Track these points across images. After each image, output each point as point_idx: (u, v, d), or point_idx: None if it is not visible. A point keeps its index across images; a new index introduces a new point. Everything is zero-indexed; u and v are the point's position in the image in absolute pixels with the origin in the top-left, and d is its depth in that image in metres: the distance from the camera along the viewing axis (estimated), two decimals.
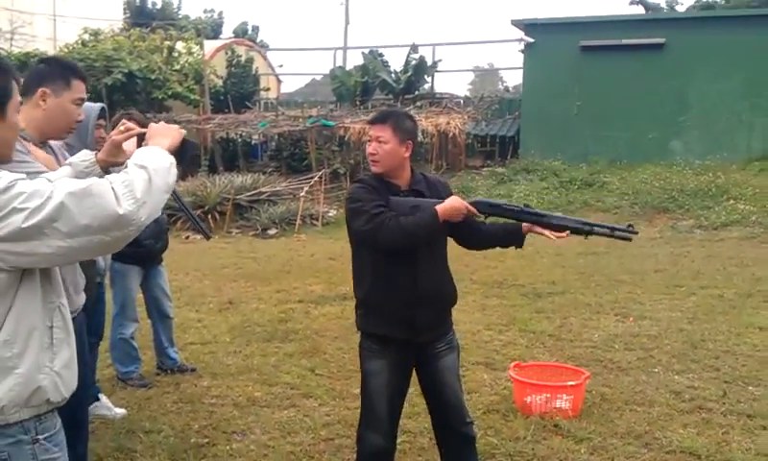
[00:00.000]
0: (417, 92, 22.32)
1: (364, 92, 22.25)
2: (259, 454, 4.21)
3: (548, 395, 4.81)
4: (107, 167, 2.45)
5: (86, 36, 22.82)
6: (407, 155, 3.40)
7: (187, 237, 13.86)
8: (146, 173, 1.94)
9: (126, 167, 2.00)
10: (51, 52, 23.24)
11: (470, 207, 3.35)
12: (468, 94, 28.49)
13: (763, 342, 6.47)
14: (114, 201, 1.84)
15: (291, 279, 9.54)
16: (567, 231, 3.38)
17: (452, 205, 3.30)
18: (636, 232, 3.45)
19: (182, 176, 15.83)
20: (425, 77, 23.45)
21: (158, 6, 36.82)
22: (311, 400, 5.12)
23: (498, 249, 3.70)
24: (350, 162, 18.62)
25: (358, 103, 21.52)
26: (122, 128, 2.41)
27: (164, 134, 2.19)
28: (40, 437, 1.97)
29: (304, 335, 6.78)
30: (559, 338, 6.71)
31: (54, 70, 3.04)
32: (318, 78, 39.04)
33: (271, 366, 5.87)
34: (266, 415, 4.83)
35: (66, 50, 21.72)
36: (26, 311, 1.91)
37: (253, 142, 21.68)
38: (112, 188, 1.86)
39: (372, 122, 3.41)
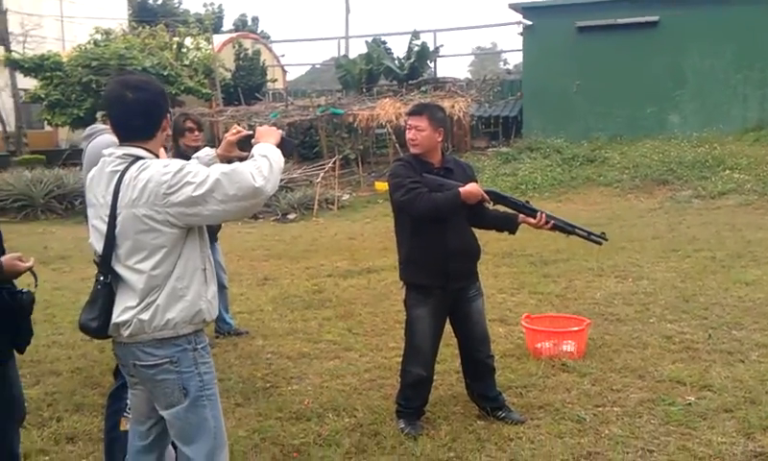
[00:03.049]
0: (420, 78, 22.91)
1: (369, 79, 22.82)
2: (316, 393, 5.00)
3: (555, 340, 5.58)
4: (223, 160, 3.14)
5: (98, 36, 23.39)
6: (440, 139, 4.22)
7: None
8: (268, 161, 2.70)
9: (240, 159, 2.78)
10: (62, 52, 23.84)
11: (485, 195, 4.17)
12: (469, 76, 29.08)
13: (748, 295, 7.19)
14: (252, 178, 2.60)
15: (318, 258, 10.28)
16: (551, 224, 4.23)
17: (472, 190, 4.13)
18: (607, 239, 4.40)
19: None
20: (428, 62, 24.05)
21: (159, 2, 37.45)
22: (352, 352, 5.91)
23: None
24: (360, 148, 19.28)
25: (364, 90, 22.11)
26: (234, 131, 3.16)
27: (269, 134, 2.91)
28: (198, 346, 2.77)
29: (338, 303, 7.56)
30: (565, 297, 7.47)
31: None
32: (317, 66, 39.70)
33: (313, 328, 6.66)
34: (316, 365, 5.63)
35: (79, 50, 22.26)
36: (191, 257, 2.71)
37: None
38: (249, 170, 2.62)
39: (411, 114, 4.22)
